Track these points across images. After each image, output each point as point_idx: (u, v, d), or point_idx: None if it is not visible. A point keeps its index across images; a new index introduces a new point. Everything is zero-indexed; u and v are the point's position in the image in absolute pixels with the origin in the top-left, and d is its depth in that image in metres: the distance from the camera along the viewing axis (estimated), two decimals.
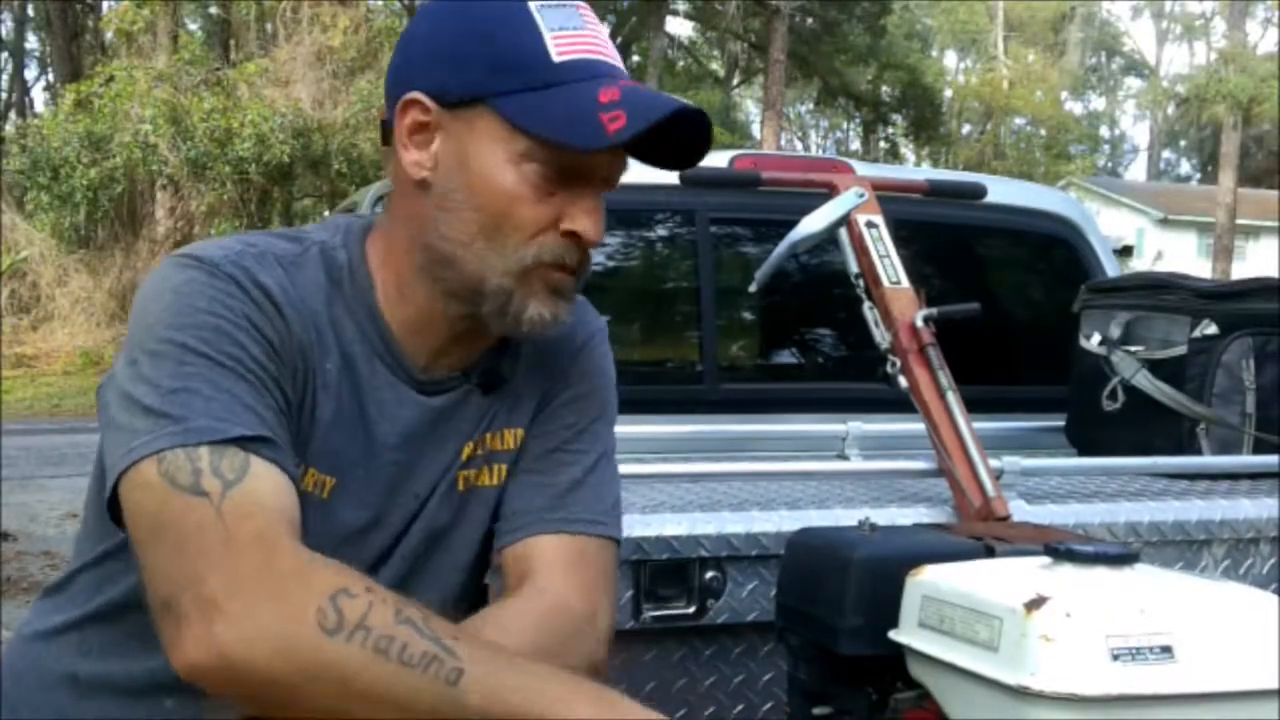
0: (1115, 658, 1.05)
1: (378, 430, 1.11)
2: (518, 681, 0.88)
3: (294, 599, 0.87)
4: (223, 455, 0.94)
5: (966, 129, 42.15)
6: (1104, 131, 53.28)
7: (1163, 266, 21.94)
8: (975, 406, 1.91)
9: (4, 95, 32.00)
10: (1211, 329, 2.30)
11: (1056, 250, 3.20)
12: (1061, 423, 2.62)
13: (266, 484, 0.95)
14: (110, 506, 0.99)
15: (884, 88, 32.83)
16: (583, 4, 1.08)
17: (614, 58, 1.07)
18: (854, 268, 2.02)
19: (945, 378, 1.90)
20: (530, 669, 0.91)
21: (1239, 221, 28.39)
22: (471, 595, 1.26)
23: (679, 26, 30.67)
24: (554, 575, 1.12)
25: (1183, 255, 32.33)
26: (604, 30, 1.10)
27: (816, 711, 1.36)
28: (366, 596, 0.88)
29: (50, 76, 27.27)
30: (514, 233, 1.06)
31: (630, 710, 0.90)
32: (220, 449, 0.94)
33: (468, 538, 1.19)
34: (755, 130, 32.88)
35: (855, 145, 39.77)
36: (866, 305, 1.99)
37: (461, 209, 1.06)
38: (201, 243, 1.09)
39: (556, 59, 1.04)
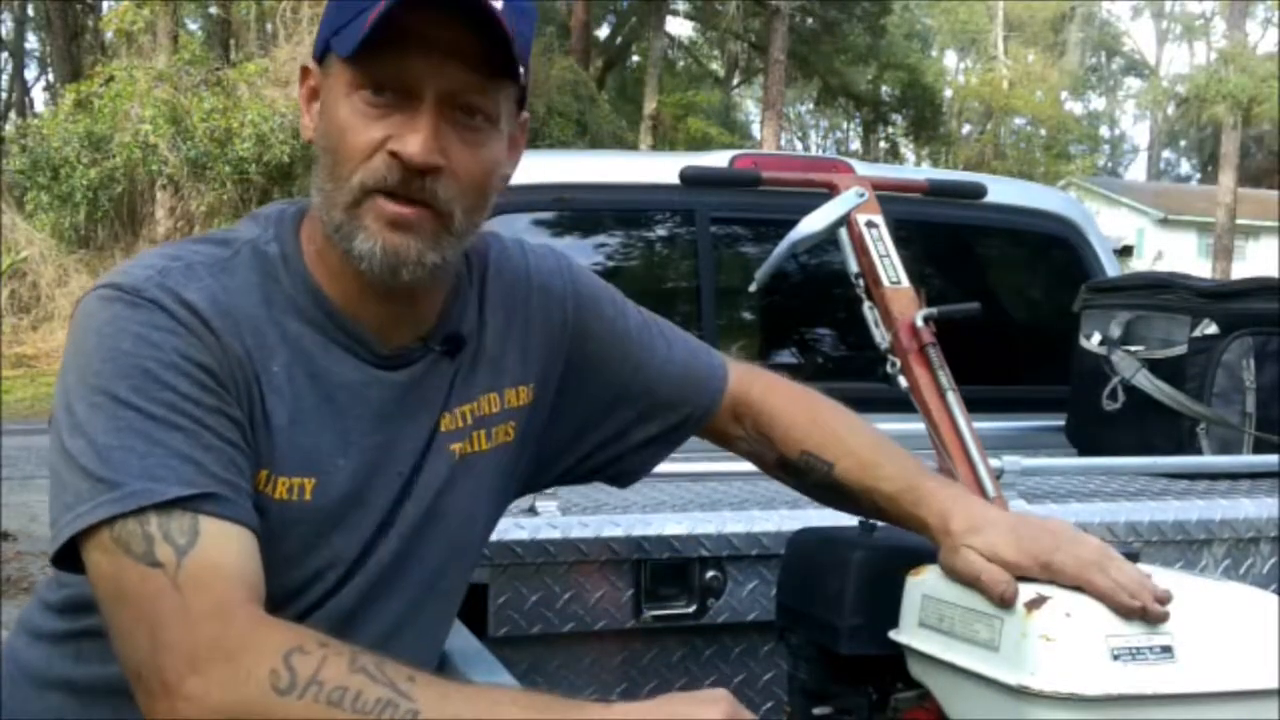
0: (1115, 657, 1.05)
1: (349, 417, 1.09)
2: (473, 711, 0.88)
3: (247, 665, 0.89)
4: (170, 518, 0.94)
5: (966, 129, 42.12)
6: (1104, 131, 53.29)
7: (1163, 266, 21.94)
8: (975, 406, 1.91)
9: (4, 95, 32.02)
10: (1211, 329, 2.30)
11: (1056, 250, 3.20)
12: (1061, 423, 2.62)
13: (219, 545, 0.95)
14: (56, 559, 0.99)
15: (884, 88, 32.82)
16: None
17: None
18: (854, 268, 2.02)
19: (945, 378, 1.90)
20: (484, 696, 0.91)
21: (1239, 221, 28.39)
22: (472, 566, 1.28)
23: (679, 26, 30.71)
24: (752, 389, 1.34)
25: (1183, 255, 32.32)
26: None
27: (817, 711, 1.36)
28: (320, 652, 0.89)
29: (50, 76, 27.30)
30: (347, 162, 1.04)
31: (592, 711, 0.90)
32: (166, 512, 0.94)
33: (465, 506, 1.19)
34: (755, 130, 32.89)
35: (855, 145, 39.79)
36: (866, 305, 1.99)
37: (321, 156, 1.08)
38: (126, 265, 1.07)
39: None
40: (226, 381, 1.02)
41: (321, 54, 1.09)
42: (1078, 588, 1.10)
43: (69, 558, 0.98)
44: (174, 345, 1.00)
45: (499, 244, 1.27)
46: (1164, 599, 1.08)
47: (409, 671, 0.90)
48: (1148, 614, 1.07)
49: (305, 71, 1.12)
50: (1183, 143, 52.03)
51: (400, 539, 1.13)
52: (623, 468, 1.37)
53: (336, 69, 1.06)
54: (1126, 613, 1.07)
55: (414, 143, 1.02)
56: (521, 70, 1.05)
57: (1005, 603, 1.10)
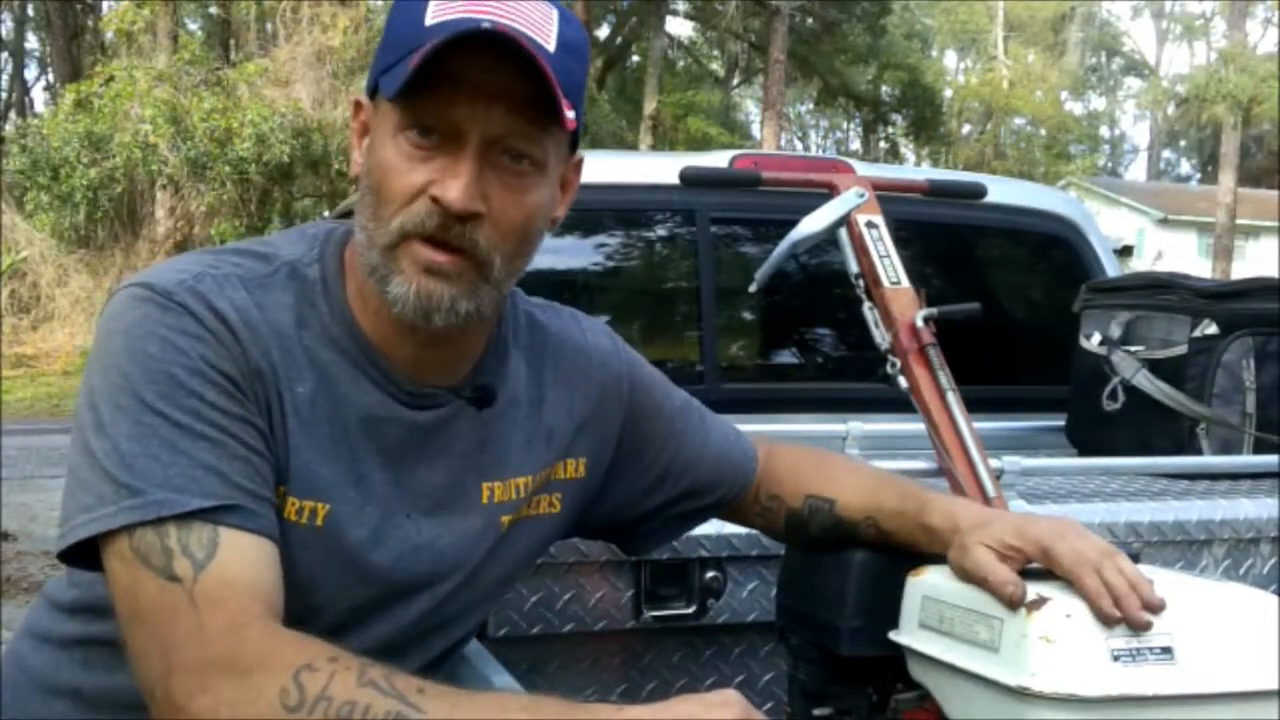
0: (1115, 659, 1.05)
1: (365, 448, 1.08)
2: (483, 717, 0.88)
3: (258, 685, 0.88)
4: (190, 530, 0.94)
5: (966, 129, 42.10)
6: (1104, 131, 53.27)
7: (1163, 266, 21.93)
8: (975, 406, 1.91)
9: (4, 95, 32.02)
10: (1211, 329, 2.30)
11: (1056, 250, 3.20)
12: (1061, 423, 2.62)
13: (236, 558, 0.95)
14: (65, 554, 0.99)
15: (884, 88, 32.83)
16: None
17: (509, 15, 1.01)
18: (854, 268, 2.02)
19: (945, 378, 1.90)
20: (493, 702, 0.90)
21: (1239, 221, 28.40)
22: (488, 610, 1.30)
23: (679, 26, 30.71)
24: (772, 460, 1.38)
25: (1183, 255, 32.31)
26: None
27: (817, 712, 1.36)
28: (329, 667, 0.89)
29: (50, 76, 27.32)
30: (389, 205, 1.03)
31: (603, 713, 0.90)
32: (186, 523, 0.94)
33: (500, 572, 1.21)
34: (755, 130, 32.89)
35: (855, 145, 39.81)
36: (866, 305, 1.99)
37: (364, 194, 1.07)
38: (162, 265, 1.06)
39: (428, 24, 1.01)
40: (247, 391, 1.01)
41: (373, 91, 1.08)
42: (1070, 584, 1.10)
43: (78, 555, 0.98)
44: (200, 352, 1.00)
45: (555, 316, 1.27)
46: (1154, 608, 1.06)
47: (419, 683, 0.89)
48: (1128, 624, 1.05)
49: (358, 106, 1.11)
50: (1183, 143, 52.04)
51: (433, 600, 1.15)
52: (643, 539, 1.40)
53: (385, 108, 1.04)
54: (1105, 619, 1.06)
55: (454, 188, 1.00)
56: (572, 114, 1.03)
57: (1012, 604, 1.09)
